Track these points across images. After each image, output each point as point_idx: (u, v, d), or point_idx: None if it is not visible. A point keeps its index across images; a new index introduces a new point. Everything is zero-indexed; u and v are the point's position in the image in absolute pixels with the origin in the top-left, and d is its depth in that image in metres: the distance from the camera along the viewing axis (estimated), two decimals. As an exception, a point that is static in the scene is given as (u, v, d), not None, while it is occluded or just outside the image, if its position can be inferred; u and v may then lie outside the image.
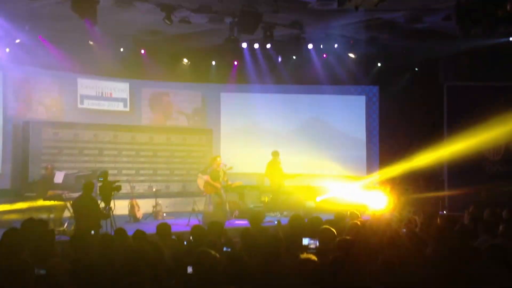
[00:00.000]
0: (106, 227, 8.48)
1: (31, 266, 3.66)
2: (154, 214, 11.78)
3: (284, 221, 8.70)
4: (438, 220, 7.29)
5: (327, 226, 5.84)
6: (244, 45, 13.00)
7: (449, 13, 9.83)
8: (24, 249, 4.55)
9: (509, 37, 11.75)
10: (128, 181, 11.95)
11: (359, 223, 6.68)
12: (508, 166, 12.56)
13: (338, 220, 7.01)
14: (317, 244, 5.74)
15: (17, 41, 11.25)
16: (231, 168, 11.75)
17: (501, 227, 6.08)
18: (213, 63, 14.36)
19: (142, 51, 13.31)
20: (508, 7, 8.53)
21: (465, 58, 12.78)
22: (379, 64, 14.07)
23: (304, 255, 4.08)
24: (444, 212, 10.92)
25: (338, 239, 5.14)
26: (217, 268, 3.91)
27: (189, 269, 4.31)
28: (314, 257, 4.03)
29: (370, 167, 14.42)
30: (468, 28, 9.80)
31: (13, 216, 9.48)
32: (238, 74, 14.44)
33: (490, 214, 7.31)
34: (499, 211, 7.62)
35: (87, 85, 13.14)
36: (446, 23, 10.41)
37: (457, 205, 10.89)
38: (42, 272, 3.90)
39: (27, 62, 11.73)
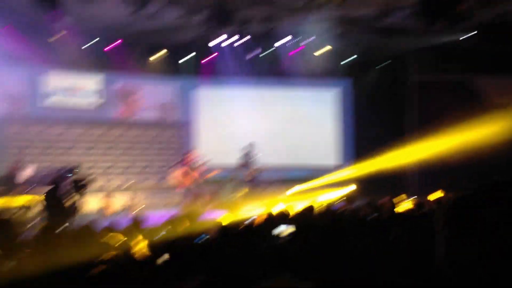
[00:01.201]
0: (75, 223, 8.25)
1: (2, 257, 3.52)
2: (129, 209, 11.60)
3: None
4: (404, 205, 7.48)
5: (297, 212, 5.90)
6: (217, 39, 12.95)
7: (413, 10, 10.06)
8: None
9: (469, 32, 11.99)
10: (100, 177, 11.73)
11: (327, 211, 6.76)
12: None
13: (308, 209, 7.06)
14: (289, 230, 5.73)
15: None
16: (206, 161, 11.67)
17: None
18: (187, 57, 14.18)
19: (114, 44, 13.02)
20: (464, 6, 8.85)
21: (430, 54, 13.08)
22: (351, 58, 14.39)
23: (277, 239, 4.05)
24: (410, 199, 11.13)
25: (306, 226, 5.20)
26: (192, 256, 3.82)
27: (162, 258, 4.19)
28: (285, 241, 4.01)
29: (344, 159, 14.69)
30: (431, 23, 10.12)
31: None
32: (212, 68, 14.34)
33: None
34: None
35: (55, 79, 12.75)
36: (411, 19, 10.70)
37: (423, 191, 11.13)
38: (12, 263, 3.76)
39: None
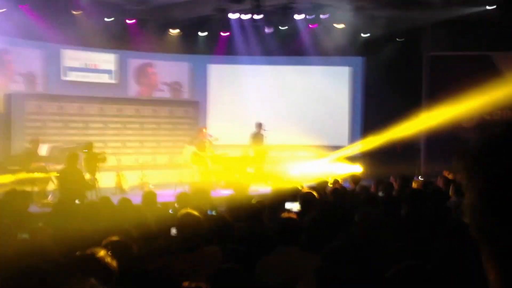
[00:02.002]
0: (91, 198, 8.45)
1: (13, 229, 3.67)
2: (141, 186, 11.76)
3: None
4: (413, 184, 7.53)
5: (308, 190, 5.97)
6: (232, 15, 12.87)
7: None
8: (5, 216, 4.55)
9: (485, 5, 11.80)
10: (114, 154, 11.91)
11: (339, 187, 6.85)
12: (481, 132, 12.79)
13: (320, 186, 7.17)
14: (299, 207, 5.85)
15: (1, 10, 10.87)
16: (217, 139, 11.74)
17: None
18: (201, 34, 14.14)
19: (128, 21, 13.03)
20: None
21: (445, 28, 12.85)
22: (364, 35, 14.15)
23: (285, 214, 4.13)
24: (420, 177, 11.19)
25: (318, 200, 5.28)
26: (200, 229, 3.94)
27: (173, 231, 4.33)
28: (294, 216, 4.09)
29: (353, 137, 14.66)
30: None
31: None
32: (226, 45, 14.29)
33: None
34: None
35: (71, 56, 12.86)
36: None
37: (434, 171, 11.13)
38: (25, 236, 3.90)
39: (7, 32, 11.31)
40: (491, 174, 0.87)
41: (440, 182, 7.78)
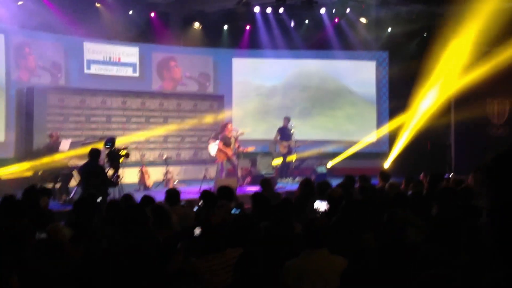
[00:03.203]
0: (114, 195, 8.31)
1: (32, 229, 3.55)
2: (165, 182, 11.61)
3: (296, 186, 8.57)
4: (444, 182, 7.25)
5: (334, 188, 5.78)
6: (257, 9, 12.74)
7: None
8: (24, 214, 4.44)
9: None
10: (137, 149, 11.79)
11: (367, 185, 6.62)
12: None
13: (347, 183, 6.93)
14: (326, 206, 5.64)
15: (20, 3, 10.86)
16: (243, 133, 11.54)
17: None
18: (225, 27, 13.99)
19: (152, 14, 12.92)
20: None
21: (472, 22, 12.42)
22: (389, 30, 13.98)
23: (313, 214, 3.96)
24: (451, 175, 10.86)
25: (344, 200, 5.07)
26: (223, 231, 3.76)
27: (196, 231, 4.16)
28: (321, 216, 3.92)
29: (380, 132, 14.43)
30: None
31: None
32: (250, 38, 14.18)
33: None
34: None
35: (94, 50, 12.79)
36: None
37: (464, 168, 10.80)
38: (43, 236, 3.79)
39: (30, 25, 11.33)
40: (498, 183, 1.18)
41: (471, 180, 7.50)
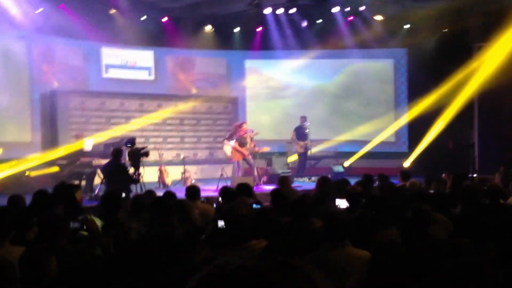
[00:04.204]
0: (136, 191, 8.56)
1: (65, 219, 3.75)
2: (183, 181, 11.83)
3: (312, 185, 8.72)
4: (468, 181, 7.26)
5: (353, 186, 5.85)
6: (268, 10, 12.79)
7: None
8: (56, 206, 4.67)
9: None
10: (155, 149, 12.06)
11: (386, 183, 6.67)
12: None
13: (366, 182, 7.00)
14: (346, 204, 5.73)
15: (39, 10, 11.17)
16: (257, 133, 11.69)
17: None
18: (237, 29, 14.14)
19: (165, 19, 13.16)
20: None
21: (494, 17, 12.27)
22: (406, 27, 13.66)
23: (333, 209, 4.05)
24: (475, 174, 10.76)
25: (365, 198, 5.16)
26: (247, 222, 3.89)
27: (219, 224, 4.31)
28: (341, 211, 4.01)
29: (399, 132, 14.31)
30: None
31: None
32: (262, 40, 14.24)
33: None
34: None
35: (111, 54, 13.18)
36: None
37: (488, 167, 10.71)
38: (76, 225, 3.99)
39: (50, 32, 11.69)
40: None
41: (497, 179, 7.49)
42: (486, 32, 12.10)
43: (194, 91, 14.28)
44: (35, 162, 10.65)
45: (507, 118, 12.23)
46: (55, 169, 10.09)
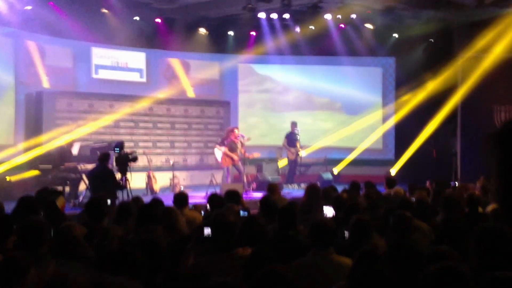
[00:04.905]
0: (123, 198, 8.43)
1: (47, 226, 3.66)
2: (172, 187, 11.71)
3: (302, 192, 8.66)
4: (449, 189, 7.35)
5: (340, 194, 5.86)
6: (262, 14, 12.80)
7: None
8: (39, 212, 4.57)
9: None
10: (144, 154, 11.92)
11: (372, 191, 6.70)
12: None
13: (353, 189, 7.02)
14: (333, 212, 5.73)
15: (28, 8, 10.91)
16: (249, 139, 11.65)
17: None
18: (231, 33, 14.08)
19: (158, 20, 13.04)
20: None
21: (479, 28, 12.46)
22: (395, 35, 14.03)
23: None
24: (456, 182, 10.90)
25: (349, 204, 5.17)
26: (234, 230, 3.85)
27: (206, 232, 4.25)
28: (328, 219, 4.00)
29: (386, 139, 14.47)
30: None
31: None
32: (255, 44, 14.23)
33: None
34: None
35: (101, 55, 12.93)
36: None
37: (470, 176, 10.84)
38: (58, 233, 3.88)
39: (38, 30, 11.43)
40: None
41: (477, 188, 7.58)
42: (472, 43, 12.29)
43: (185, 94, 14.14)
44: (12, 164, 10.36)
45: (489, 127, 12.46)
46: (35, 172, 9.88)
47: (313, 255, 3.74)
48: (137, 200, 6.06)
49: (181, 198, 6.06)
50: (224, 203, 5.80)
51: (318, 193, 6.56)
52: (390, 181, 7.76)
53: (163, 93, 13.65)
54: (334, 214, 5.64)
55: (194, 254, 3.98)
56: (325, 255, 3.72)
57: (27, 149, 11.15)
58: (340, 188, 6.98)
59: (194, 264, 3.75)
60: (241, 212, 5.32)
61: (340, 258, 3.72)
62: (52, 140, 10.91)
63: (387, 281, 2.82)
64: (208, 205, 6.07)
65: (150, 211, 4.46)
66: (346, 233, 4.38)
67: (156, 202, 5.57)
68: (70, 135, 11.05)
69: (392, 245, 3.82)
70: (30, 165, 10.57)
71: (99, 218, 4.77)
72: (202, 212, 6.24)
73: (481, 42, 11.94)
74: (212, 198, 6.06)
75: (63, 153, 10.01)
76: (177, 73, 14.10)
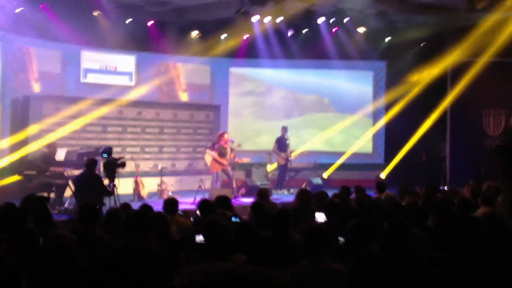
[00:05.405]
0: (110, 204, 8.29)
1: (37, 234, 3.56)
2: (159, 193, 11.55)
3: (291, 197, 8.65)
4: (439, 193, 7.39)
5: (332, 198, 5.85)
6: (255, 18, 12.76)
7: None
8: (26, 220, 4.45)
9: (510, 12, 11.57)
10: (132, 159, 11.76)
11: (363, 196, 6.71)
12: (508, 140, 12.59)
13: (343, 194, 7.02)
14: (324, 217, 5.72)
15: (18, 10, 10.75)
16: (240, 145, 11.58)
17: (499, 198, 6.22)
18: (223, 36, 13.96)
19: (149, 23, 12.90)
20: None
21: (470, 33, 12.57)
22: (387, 40, 14.08)
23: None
24: (445, 187, 10.98)
25: (342, 209, 5.14)
26: (228, 236, 3.78)
27: (198, 238, 4.18)
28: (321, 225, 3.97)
29: (376, 144, 14.52)
30: (474, 1, 9.77)
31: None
32: (247, 48, 14.14)
33: (488, 187, 7.32)
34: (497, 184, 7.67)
35: (91, 58, 12.74)
36: None
37: (458, 180, 10.92)
38: (48, 241, 3.78)
39: (28, 33, 11.25)
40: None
41: (466, 192, 7.61)
42: (463, 48, 12.37)
43: (175, 98, 14.03)
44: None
45: (477, 132, 12.59)
46: (16, 178, 9.68)
47: (309, 261, 3.72)
48: (126, 206, 5.97)
49: (171, 204, 5.99)
50: (214, 209, 5.73)
51: (309, 198, 6.54)
52: (381, 185, 7.77)
53: (152, 97, 13.51)
54: (327, 220, 5.61)
55: (188, 262, 3.90)
56: (321, 261, 3.70)
57: (12, 154, 10.93)
58: (330, 193, 6.95)
59: (189, 272, 3.66)
60: (233, 218, 5.26)
61: (335, 264, 3.69)
62: (37, 144, 10.73)
63: (385, 286, 2.79)
64: (198, 211, 6.01)
65: (142, 218, 4.36)
66: (341, 239, 4.35)
67: (146, 208, 5.47)
68: (50, 136, 10.88)
69: (388, 249, 3.80)
70: (13, 170, 10.31)
71: (92, 225, 4.66)
72: (191, 219, 6.17)
73: (472, 46, 12.03)
74: (203, 204, 6.00)
75: (46, 158, 9.77)
76: (167, 77, 13.95)
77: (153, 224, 4.63)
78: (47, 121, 11.40)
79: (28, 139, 10.97)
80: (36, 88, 11.83)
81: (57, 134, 11.29)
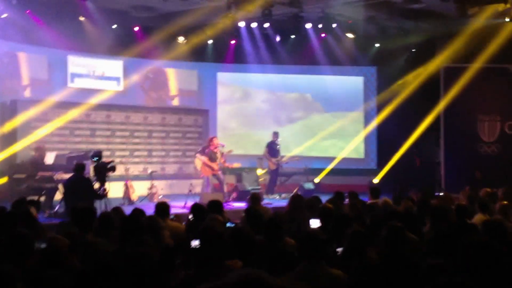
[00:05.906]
0: (100, 209, 8.19)
1: (31, 238, 3.49)
2: (149, 197, 11.50)
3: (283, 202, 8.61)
4: (435, 200, 7.36)
5: (326, 204, 5.82)
6: (242, 23, 12.73)
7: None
8: (17, 224, 4.37)
9: (505, 17, 11.63)
10: (122, 163, 11.68)
11: (357, 201, 6.68)
12: (503, 146, 12.65)
13: (337, 199, 6.99)
14: (319, 223, 5.68)
15: (4, 15, 10.67)
16: (230, 151, 11.53)
17: (497, 205, 6.21)
18: (210, 41, 13.92)
19: (136, 28, 12.85)
20: None
21: (461, 39, 12.63)
22: (377, 45, 14.04)
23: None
24: (441, 193, 10.97)
25: (335, 216, 5.11)
26: (223, 241, 3.74)
27: (193, 244, 4.13)
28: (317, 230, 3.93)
29: (368, 149, 14.52)
30: (466, 7, 9.83)
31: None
32: (235, 53, 14.10)
33: (485, 194, 7.33)
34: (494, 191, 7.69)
35: (78, 63, 12.63)
36: (444, 3, 10.40)
37: (453, 185, 10.93)
38: (41, 245, 3.73)
39: (14, 38, 11.18)
40: None
41: (463, 198, 7.58)
42: (453, 53, 12.43)
43: (163, 103, 13.95)
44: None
45: (471, 137, 12.61)
46: (3, 180, 9.54)
47: (305, 267, 3.66)
48: (117, 210, 5.89)
49: (163, 208, 5.92)
50: (207, 213, 5.69)
51: (302, 203, 6.51)
52: (375, 191, 7.74)
53: (140, 102, 13.45)
54: (321, 225, 5.57)
55: (183, 267, 3.85)
56: (317, 266, 3.65)
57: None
58: (323, 198, 6.92)
59: (185, 277, 3.61)
60: (228, 223, 5.22)
61: (332, 270, 3.65)
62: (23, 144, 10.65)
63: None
64: (191, 215, 5.96)
65: (135, 222, 4.30)
66: (336, 245, 4.32)
67: (139, 212, 5.41)
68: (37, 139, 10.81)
69: (386, 256, 3.77)
70: (1, 174, 10.26)
71: (86, 228, 4.59)
72: (183, 223, 6.12)
73: (463, 52, 12.09)
74: (196, 208, 5.95)
75: (35, 162, 9.71)
76: (155, 82, 13.90)
77: (146, 228, 4.58)
78: (34, 125, 11.31)
79: (16, 137, 10.95)
80: (24, 93, 11.76)
81: (44, 137, 11.21)
